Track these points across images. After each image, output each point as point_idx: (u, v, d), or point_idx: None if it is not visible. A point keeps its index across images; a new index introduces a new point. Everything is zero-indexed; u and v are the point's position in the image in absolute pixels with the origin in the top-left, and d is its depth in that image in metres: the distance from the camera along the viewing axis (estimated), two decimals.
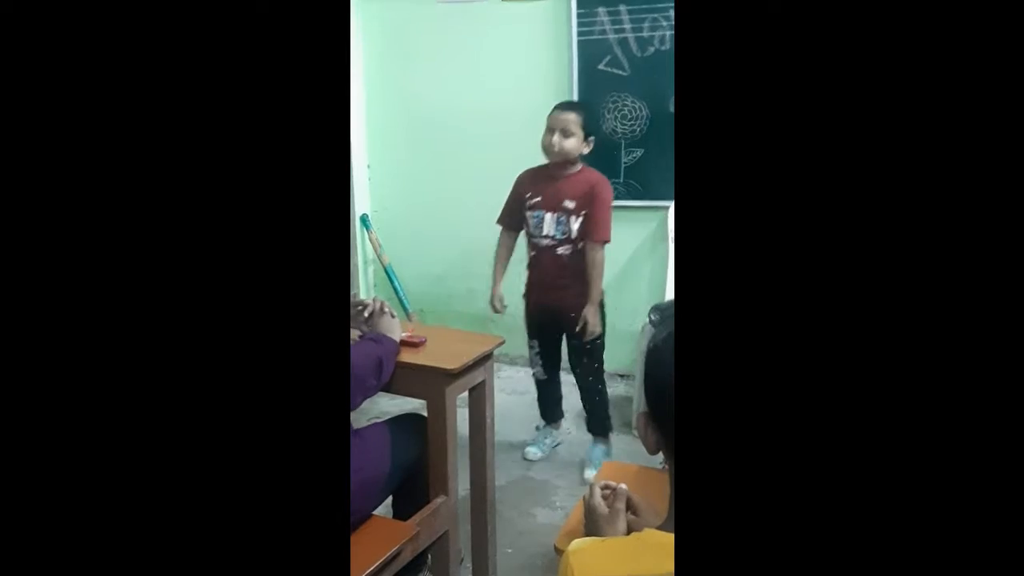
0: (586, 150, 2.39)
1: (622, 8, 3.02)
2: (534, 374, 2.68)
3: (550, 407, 2.72)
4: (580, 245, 2.40)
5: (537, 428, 2.74)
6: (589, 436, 2.68)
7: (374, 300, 1.83)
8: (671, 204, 2.98)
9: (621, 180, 3.15)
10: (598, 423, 2.63)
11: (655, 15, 2.98)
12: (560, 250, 2.42)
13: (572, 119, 2.35)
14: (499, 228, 2.59)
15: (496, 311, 2.62)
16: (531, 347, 2.64)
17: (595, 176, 2.44)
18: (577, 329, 2.43)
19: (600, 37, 3.08)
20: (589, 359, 2.53)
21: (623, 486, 1.10)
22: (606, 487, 1.13)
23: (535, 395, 2.74)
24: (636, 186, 3.14)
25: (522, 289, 2.59)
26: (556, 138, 2.34)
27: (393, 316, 1.81)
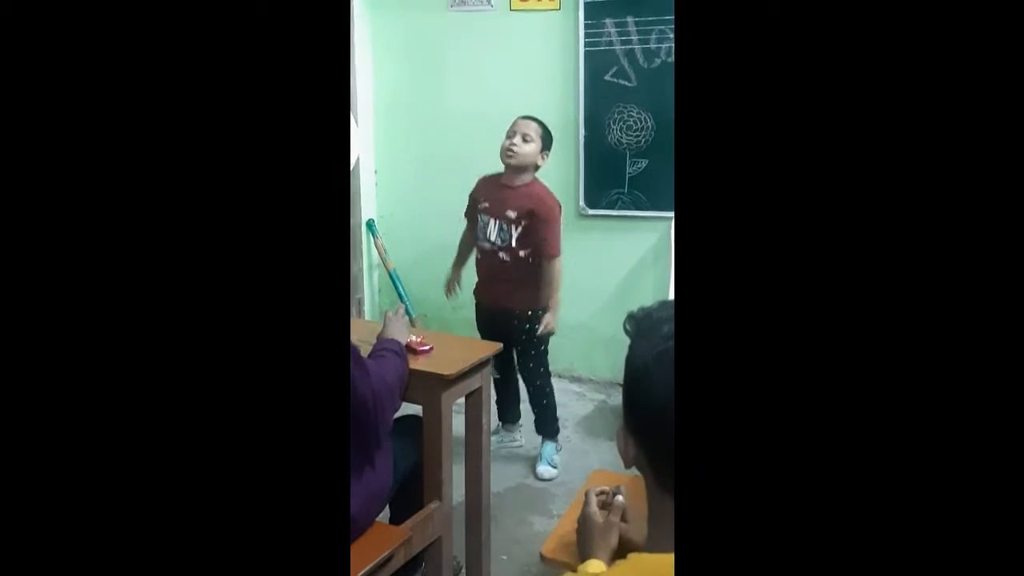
0: (541, 162, 2.46)
1: (629, 20, 3.03)
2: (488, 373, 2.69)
3: (505, 407, 2.76)
4: (521, 253, 2.46)
5: (495, 431, 2.73)
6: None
7: (400, 307, 1.91)
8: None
9: (626, 190, 3.16)
10: (546, 424, 2.68)
11: (662, 27, 2.99)
12: (501, 255, 2.50)
13: (533, 127, 2.44)
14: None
15: (448, 293, 2.72)
16: None
17: (541, 190, 2.50)
18: (537, 329, 2.49)
19: (607, 48, 3.09)
20: (535, 363, 2.60)
21: (620, 498, 1.09)
22: (602, 493, 1.12)
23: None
24: (640, 196, 3.15)
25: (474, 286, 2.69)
26: (517, 139, 2.42)
27: (412, 325, 1.86)
